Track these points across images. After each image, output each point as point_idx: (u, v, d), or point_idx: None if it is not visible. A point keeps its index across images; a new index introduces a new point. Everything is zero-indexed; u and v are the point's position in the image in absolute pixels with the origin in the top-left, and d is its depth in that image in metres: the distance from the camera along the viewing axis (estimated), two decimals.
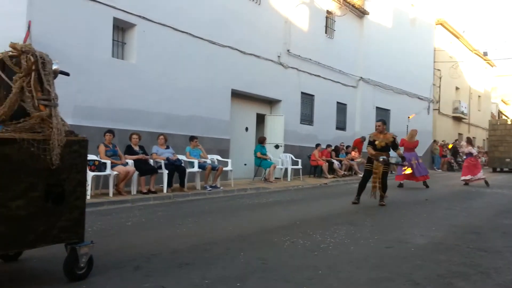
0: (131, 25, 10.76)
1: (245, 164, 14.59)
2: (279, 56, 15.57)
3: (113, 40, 10.39)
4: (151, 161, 9.83)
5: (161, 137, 10.32)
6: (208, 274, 4.00)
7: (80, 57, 9.29)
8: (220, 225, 6.57)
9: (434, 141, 26.61)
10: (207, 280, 3.85)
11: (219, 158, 12.16)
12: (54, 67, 3.57)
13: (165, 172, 9.74)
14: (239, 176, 13.38)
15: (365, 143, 12.82)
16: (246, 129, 15.15)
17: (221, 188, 10.94)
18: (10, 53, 3.45)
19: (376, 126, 9.24)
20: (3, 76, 3.42)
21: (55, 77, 3.60)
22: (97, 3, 9.80)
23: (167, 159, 9.98)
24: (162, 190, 9.64)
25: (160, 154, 10.08)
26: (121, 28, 10.78)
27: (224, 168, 11.42)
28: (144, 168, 9.39)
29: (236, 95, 14.01)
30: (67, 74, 3.89)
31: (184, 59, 11.86)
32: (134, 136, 9.73)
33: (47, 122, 3.39)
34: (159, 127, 11.05)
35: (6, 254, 4.05)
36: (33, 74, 3.38)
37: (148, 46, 10.99)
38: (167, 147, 10.36)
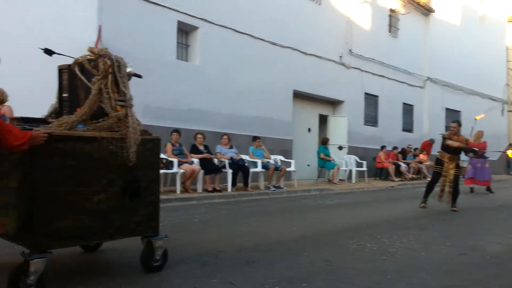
0: (194, 28, 11.06)
1: (308, 165, 14.50)
2: (341, 56, 15.33)
3: (177, 42, 10.73)
4: (215, 160, 10.02)
5: (225, 137, 10.49)
6: (273, 273, 4.00)
7: (147, 59, 9.65)
8: (283, 225, 6.55)
9: (510, 144, 24.95)
10: (272, 279, 3.84)
11: (282, 158, 12.17)
12: (128, 69, 3.74)
13: (229, 172, 9.89)
14: (302, 177, 13.31)
15: (434, 145, 12.24)
16: (309, 130, 15.05)
17: (285, 188, 10.94)
18: (89, 56, 3.65)
19: (451, 127, 8.77)
20: (83, 78, 3.62)
21: (129, 79, 3.76)
22: (163, 8, 10.16)
23: (231, 158, 10.12)
24: (226, 189, 9.80)
25: (224, 153, 10.25)
26: (184, 31, 11.10)
27: (287, 169, 11.41)
28: (209, 167, 9.59)
29: (298, 95, 13.96)
30: (139, 76, 4.05)
31: (245, 60, 11.99)
32: (199, 135, 9.97)
33: (124, 122, 3.54)
34: (223, 127, 11.24)
35: (87, 245, 4.30)
36: (109, 76, 3.54)
37: (210, 48, 11.23)
38: (231, 147, 10.52)
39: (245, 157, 10.73)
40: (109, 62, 3.54)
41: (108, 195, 3.45)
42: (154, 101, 9.84)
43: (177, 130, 9.57)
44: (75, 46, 6.72)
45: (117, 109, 3.54)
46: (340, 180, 13.92)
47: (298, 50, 13.63)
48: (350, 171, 14.54)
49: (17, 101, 6.22)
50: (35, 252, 3.08)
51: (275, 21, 12.79)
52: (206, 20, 11.11)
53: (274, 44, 12.86)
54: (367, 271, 4.21)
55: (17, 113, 4.65)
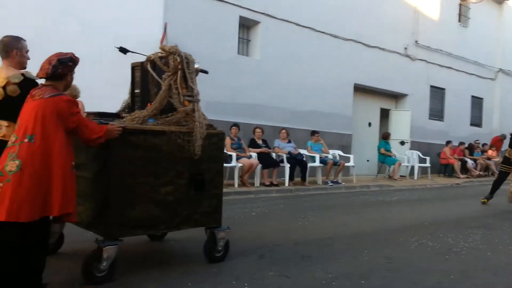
0: (255, 23, 11.12)
1: (367, 160, 14.19)
2: (406, 48, 14.80)
3: (238, 38, 10.84)
4: (273, 155, 10.07)
5: (283, 131, 10.51)
6: (330, 269, 3.98)
7: (209, 55, 9.83)
8: (341, 221, 6.48)
9: None
10: (330, 274, 3.83)
11: (341, 153, 12.00)
12: (196, 66, 3.86)
13: (287, 166, 9.90)
14: (361, 173, 13.06)
15: (506, 141, 11.57)
16: (369, 124, 14.72)
17: (343, 184, 10.80)
18: (160, 54, 3.82)
19: None
20: (154, 75, 3.81)
21: (196, 75, 3.89)
22: (225, 3, 10.30)
23: (289, 153, 10.13)
24: (283, 183, 9.82)
25: (282, 148, 10.28)
26: (246, 26, 11.20)
27: (346, 164, 11.24)
28: (267, 161, 9.65)
29: (359, 89, 13.68)
30: (206, 72, 4.18)
31: (306, 54, 11.89)
32: (258, 130, 10.05)
33: (191, 116, 3.68)
34: (281, 122, 11.25)
35: (153, 235, 4.54)
36: (179, 72, 3.69)
37: (271, 42, 11.25)
38: (289, 141, 10.52)
39: (303, 151, 10.69)
40: (178, 59, 3.69)
41: (175, 186, 3.61)
42: (214, 95, 10.01)
43: (236, 125, 9.71)
44: (142, 44, 6.99)
45: (185, 104, 3.70)
46: (401, 176, 13.53)
47: (360, 43, 13.32)
48: (412, 167, 14.04)
49: (90, 97, 6.56)
50: (108, 240, 3.29)
51: (337, 13, 12.56)
52: (267, 15, 11.14)
53: (336, 37, 12.66)
54: (429, 270, 4.09)
55: (90, 108, 4.91)
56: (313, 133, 11.18)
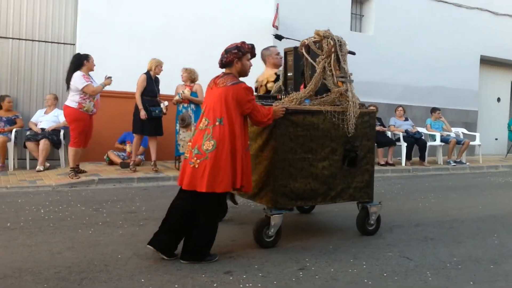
0: None
1: (496, 139, 13.15)
2: None
3: (351, 13, 10.51)
4: (389, 133, 9.70)
5: (400, 108, 10.05)
6: (456, 252, 3.77)
7: None
8: (466, 203, 6.06)
9: None
10: (455, 257, 3.62)
11: (465, 131, 11.18)
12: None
13: (404, 145, 9.48)
14: (488, 152, 12.11)
15: None
16: (498, 99, 13.46)
17: (467, 164, 10.05)
18: (313, 38, 3.97)
19: None
20: (309, 58, 3.97)
21: None
22: None
23: (406, 131, 9.68)
24: (400, 163, 9.44)
25: (398, 126, 9.84)
26: (359, 1, 10.82)
27: (471, 143, 10.42)
28: (382, 140, 9.31)
29: (486, 61, 12.58)
30: (353, 53, 4.19)
31: (425, 27, 11.17)
32: (371, 107, 9.70)
33: (344, 96, 3.87)
34: (397, 99, 10.76)
35: (302, 208, 4.84)
36: (332, 55, 3.84)
37: (386, 17, 10.74)
38: (406, 119, 10.04)
39: (421, 129, 10.13)
40: (332, 43, 3.84)
41: (331, 162, 3.85)
42: None
43: None
44: (255, 26, 7.13)
45: (339, 85, 3.87)
46: None
47: (488, 11, 12.18)
48: None
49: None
50: (274, 209, 3.61)
51: None
52: None
53: (459, 6, 11.69)
54: None
55: None
56: (434, 110, 10.52)
